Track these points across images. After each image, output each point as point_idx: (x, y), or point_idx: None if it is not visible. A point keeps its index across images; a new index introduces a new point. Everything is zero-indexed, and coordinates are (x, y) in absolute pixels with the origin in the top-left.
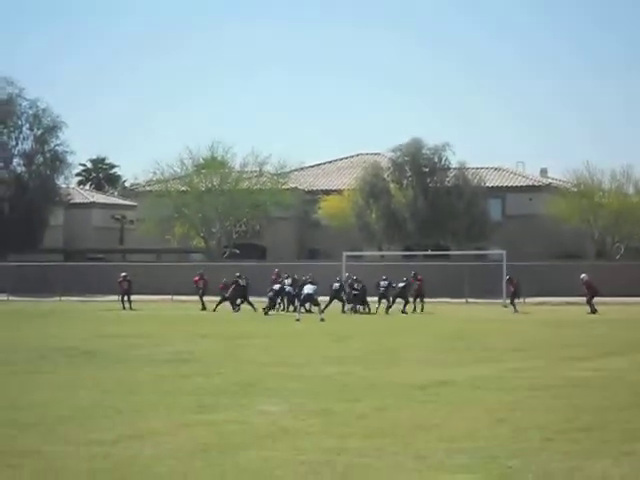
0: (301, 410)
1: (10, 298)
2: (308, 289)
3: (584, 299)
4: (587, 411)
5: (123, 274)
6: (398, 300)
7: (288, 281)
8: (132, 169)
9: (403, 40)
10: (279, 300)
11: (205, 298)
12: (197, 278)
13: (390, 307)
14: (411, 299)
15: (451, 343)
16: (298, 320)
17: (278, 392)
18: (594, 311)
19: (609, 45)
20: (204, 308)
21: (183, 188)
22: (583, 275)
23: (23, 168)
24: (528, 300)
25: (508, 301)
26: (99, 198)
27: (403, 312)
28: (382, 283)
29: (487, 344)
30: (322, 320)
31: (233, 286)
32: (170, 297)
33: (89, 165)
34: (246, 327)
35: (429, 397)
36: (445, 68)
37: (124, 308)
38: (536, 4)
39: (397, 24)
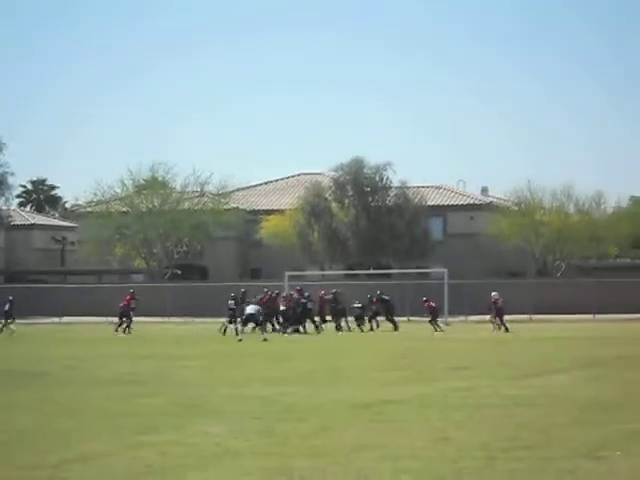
0: (244, 431)
1: None
2: (250, 309)
3: (526, 317)
4: (531, 429)
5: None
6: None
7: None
8: (73, 190)
9: (343, 57)
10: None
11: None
12: (129, 297)
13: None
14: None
15: (395, 362)
16: (240, 340)
17: (221, 413)
18: (502, 329)
19: (548, 63)
20: (124, 327)
21: (124, 209)
22: (494, 293)
23: None
24: (470, 318)
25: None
26: (40, 220)
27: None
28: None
29: (430, 363)
30: (265, 340)
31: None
32: (111, 319)
33: (29, 187)
34: (188, 348)
35: (373, 416)
36: (385, 85)
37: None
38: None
39: (338, 39)
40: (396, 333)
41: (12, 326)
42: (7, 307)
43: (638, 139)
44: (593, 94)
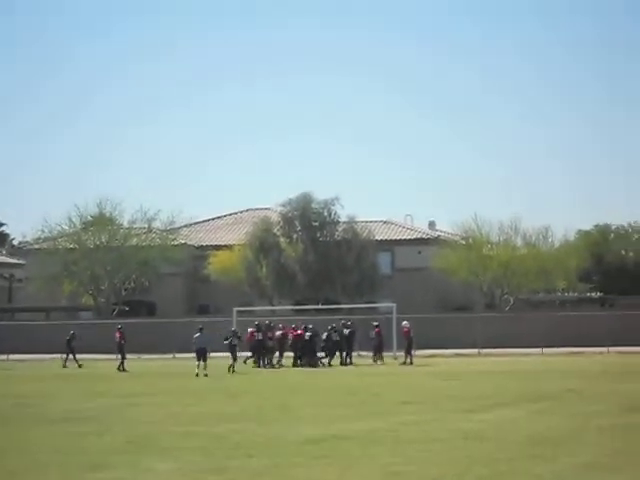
0: (194, 468)
1: None
2: (200, 343)
3: (473, 350)
4: (481, 463)
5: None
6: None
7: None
8: (20, 227)
9: (289, 94)
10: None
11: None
12: (120, 334)
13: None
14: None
15: (344, 398)
16: (197, 375)
17: (170, 450)
18: (409, 362)
19: (494, 105)
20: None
21: (71, 245)
22: (405, 322)
23: None
24: (419, 352)
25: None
26: None
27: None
28: (345, 331)
29: (379, 397)
30: (206, 375)
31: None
32: (60, 355)
33: None
34: (138, 384)
35: (323, 453)
36: (332, 121)
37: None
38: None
39: (284, 74)
40: (347, 368)
41: None
42: None
43: (583, 174)
44: (535, 128)
